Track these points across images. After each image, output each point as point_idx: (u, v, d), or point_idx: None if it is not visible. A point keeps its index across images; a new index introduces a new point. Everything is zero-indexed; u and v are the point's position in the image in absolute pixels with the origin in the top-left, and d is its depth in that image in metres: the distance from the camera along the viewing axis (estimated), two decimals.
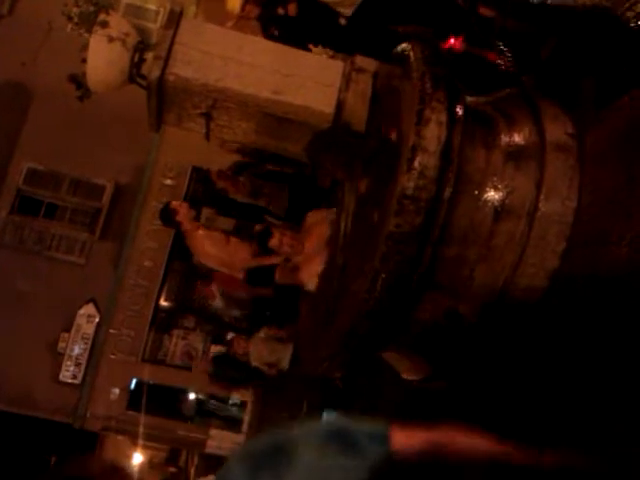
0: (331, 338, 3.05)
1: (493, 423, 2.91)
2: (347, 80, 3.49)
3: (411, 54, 2.75)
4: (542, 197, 2.37)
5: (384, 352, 3.11)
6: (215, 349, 7.53)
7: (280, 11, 4.95)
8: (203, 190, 8.90)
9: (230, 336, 7.21)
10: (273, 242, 4.83)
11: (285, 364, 6.38)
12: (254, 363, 6.58)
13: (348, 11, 4.35)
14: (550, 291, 2.37)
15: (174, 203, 5.68)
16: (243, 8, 5.48)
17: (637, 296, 2.07)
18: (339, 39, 4.73)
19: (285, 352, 6.38)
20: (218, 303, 6.95)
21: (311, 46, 4.72)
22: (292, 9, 4.83)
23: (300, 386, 6.18)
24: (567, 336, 2.41)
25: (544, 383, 2.49)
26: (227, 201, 6.15)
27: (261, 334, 6.59)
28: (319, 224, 3.98)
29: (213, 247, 5.34)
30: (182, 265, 10.30)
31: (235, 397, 9.17)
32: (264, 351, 6.52)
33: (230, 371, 7.04)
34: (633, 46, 2.35)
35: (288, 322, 6.03)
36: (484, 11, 3.73)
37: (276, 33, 5.17)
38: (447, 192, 2.48)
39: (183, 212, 5.30)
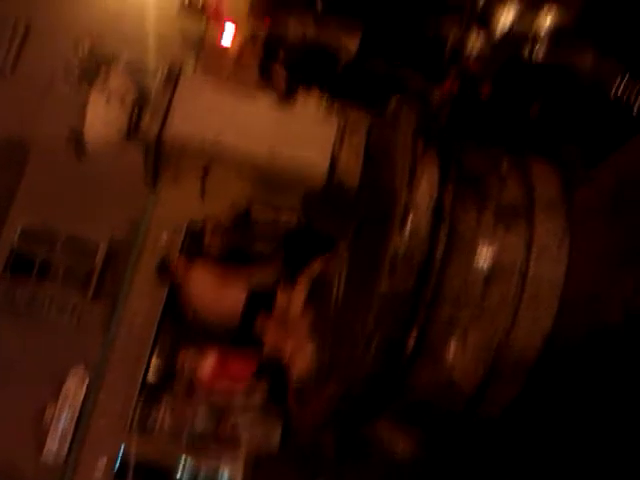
0: (325, 403, 3.07)
1: None
2: (341, 136, 3.63)
3: (402, 113, 2.89)
4: (533, 257, 2.44)
5: (378, 422, 3.11)
6: (203, 427, 7.47)
7: (280, 56, 5.15)
8: (198, 246, 9.02)
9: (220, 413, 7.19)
10: (257, 328, 4.93)
11: (275, 443, 6.34)
12: (243, 447, 6.56)
13: (354, 47, 4.52)
14: (545, 352, 2.40)
15: (171, 256, 5.88)
16: (241, 54, 5.71)
17: (630, 355, 2.10)
18: (336, 84, 4.92)
19: (274, 431, 6.36)
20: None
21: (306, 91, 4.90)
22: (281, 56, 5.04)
23: (291, 461, 6.12)
24: (564, 396, 2.43)
25: (542, 445, 2.49)
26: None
27: (249, 414, 6.60)
28: (306, 317, 4.02)
29: (205, 287, 5.44)
30: (174, 326, 10.29)
31: (225, 473, 9.03)
32: (253, 430, 6.51)
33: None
34: (616, 109, 2.46)
35: (279, 400, 6.04)
36: (474, 68, 3.89)
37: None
38: (439, 251, 2.56)
39: (180, 263, 5.51)
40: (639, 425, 2.12)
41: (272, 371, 5.67)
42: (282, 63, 5.02)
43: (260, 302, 5.15)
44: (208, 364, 6.47)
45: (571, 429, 2.38)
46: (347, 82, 4.64)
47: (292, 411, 4.24)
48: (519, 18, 3.28)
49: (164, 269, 5.62)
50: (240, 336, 5.58)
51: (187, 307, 5.74)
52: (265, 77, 5.29)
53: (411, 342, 2.66)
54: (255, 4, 5.13)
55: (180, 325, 9.80)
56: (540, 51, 3.00)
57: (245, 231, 5.96)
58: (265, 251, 5.76)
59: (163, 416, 8.80)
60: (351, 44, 4.62)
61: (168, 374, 9.62)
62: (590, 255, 2.33)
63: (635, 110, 2.41)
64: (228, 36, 9.14)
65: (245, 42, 5.60)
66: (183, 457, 7.70)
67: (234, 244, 5.99)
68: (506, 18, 3.41)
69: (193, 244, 9.91)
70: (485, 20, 3.77)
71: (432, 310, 2.61)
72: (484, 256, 2.54)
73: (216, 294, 5.35)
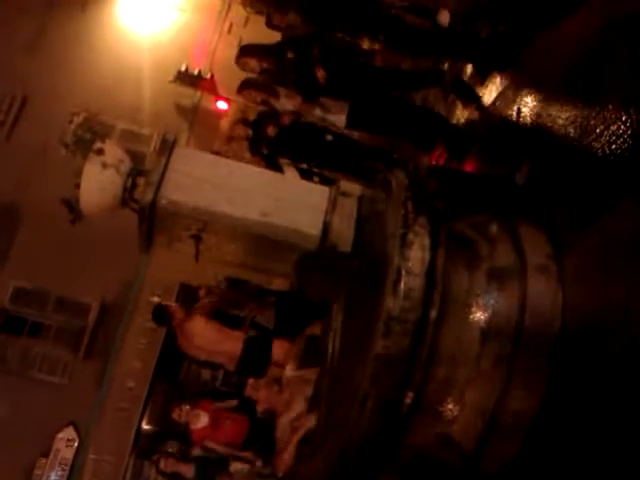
0: (320, 465, 2.96)
1: None
2: (333, 203, 3.63)
3: (393, 181, 2.89)
4: (527, 318, 2.41)
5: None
6: (196, 451, 7.19)
7: (270, 130, 5.23)
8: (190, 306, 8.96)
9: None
10: (247, 391, 4.86)
11: None
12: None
13: (341, 123, 4.59)
14: (541, 414, 2.35)
15: (173, 308, 5.89)
16: (232, 129, 5.78)
17: (624, 414, 2.06)
18: (325, 157, 4.98)
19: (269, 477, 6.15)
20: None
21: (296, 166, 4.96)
22: (272, 130, 5.13)
23: None
24: (562, 457, 2.36)
25: None
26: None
27: (244, 470, 6.41)
28: (299, 383, 3.96)
29: (203, 336, 5.42)
30: (166, 385, 10.06)
31: None
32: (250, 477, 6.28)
33: (213, 472, 6.73)
34: (603, 172, 2.49)
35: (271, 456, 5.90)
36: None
37: (264, 152, 5.43)
38: (433, 313, 2.52)
39: (175, 309, 5.61)
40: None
41: (263, 435, 5.56)
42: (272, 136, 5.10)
43: (255, 356, 5.09)
44: (201, 423, 6.33)
45: (570, 474, 2.30)
46: (336, 155, 4.70)
47: (281, 470, 4.10)
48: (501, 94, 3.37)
49: (160, 315, 5.71)
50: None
51: (185, 350, 5.69)
52: (254, 152, 5.36)
53: (407, 401, 2.59)
54: (246, 82, 5.22)
55: (172, 385, 9.62)
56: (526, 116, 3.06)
57: (238, 293, 5.93)
58: (257, 312, 5.73)
59: (156, 476, 8.48)
60: (339, 120, 4.69)
61: (161, 431, 9.35)
62: (583, 314, 2.31)
63: None
64: (222, 105, 9.31)
65: (236, 121, 5.68)
66: None
67: (227, 304, 5.95)
68: (489, 95, 3.51)
69: (186, 304, 9.82)
70: (470, 93, 3.87)
71: (428, 370, 2.55)
72: (478, 316, 2.51)
73: (213, 343, 5.31)
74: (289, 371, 3.98)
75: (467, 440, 2.55)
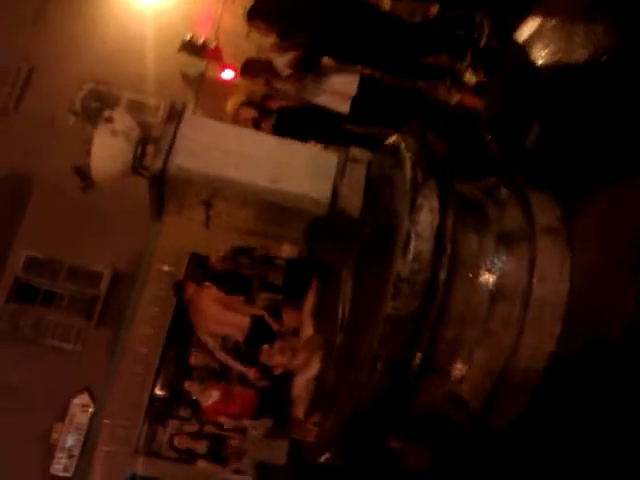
0: (331, 425, 3.01)
1: None
2: (342, 169, 3.61)
3: (402, 145, 2.88)
4: (535, 280, 2.42)
5: (387, 439, 3.05)
6: (210, 428, 7.32)
7: (268, 117, 5.17)
8: (202, 275, 9.02)
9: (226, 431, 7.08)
10: (262, 357, 4.93)
11: (282, 460, 6.25)
12: (250, 459, 6.46)
13: (345, 108, 4.55)
14: (548, 372, 2.38)
15: (189, 286, 5.96)
16: (238, 112, 5.73)
17: (633, 374, 2.08)
18: (331, 134, 4.93)
19: (281, 449, 6.28)
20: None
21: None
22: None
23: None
24: (567, 416, 2.39)
25: (546, 458, 2.44)
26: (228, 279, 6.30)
27: (256, 432, 6.53)
28: (316, 343, 4.01)
29: (211, 309, 5.52)
30: (178, 352, 10.18)
31: None
32: (260, 448, 6.43)
33: (225, 452, 6.88)
34: (617, 131, 2.46)
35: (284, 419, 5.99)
36: (469, 101, 3.91)
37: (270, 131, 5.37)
38: (442, 275, 2.53)
39: (188, 284, 5.73)
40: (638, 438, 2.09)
41: (274, 407, 5.66)
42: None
43: (263, 329, 5.16)
44: (212, 399, 6.45)
45: (574, 442, 2.34)
46: (342, 135, 4.65)
47: (296, 432, 4.17)
48: None
49: (179, 290, 5.83)
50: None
51: (196, 327, 5.77)
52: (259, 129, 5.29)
53: (416, 362, 2.62)
54: (248, 63, 5.15)
55: (184, 351, 9.73)
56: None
57: (248, 259, 5.98)
58: (269, 278, 5.78)
59: (168, 439, 8.65)
60: (343, 105, 4.63)
61: (173, 396, 9.50)
62: (592, 275, 2.32)
63: None
64: (228, 75, 9.21)
65: (241, 103, 5.61)
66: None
67: (236, 271, 6.02)
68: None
69: (196, 273, 9.89)
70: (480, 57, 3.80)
71: (436, 331, 2.58)
72: (487, 279, 2.52)
73: (222, 316, 5.38)
74: (305, 332, 4.02)
75: (475, 399, 2.59)
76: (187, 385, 6.83)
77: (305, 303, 4.15)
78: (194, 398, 6.81)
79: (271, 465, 6.37)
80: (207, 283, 5.84)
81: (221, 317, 5.51)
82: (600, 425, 2.22)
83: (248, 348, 5.63)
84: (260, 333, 5.26)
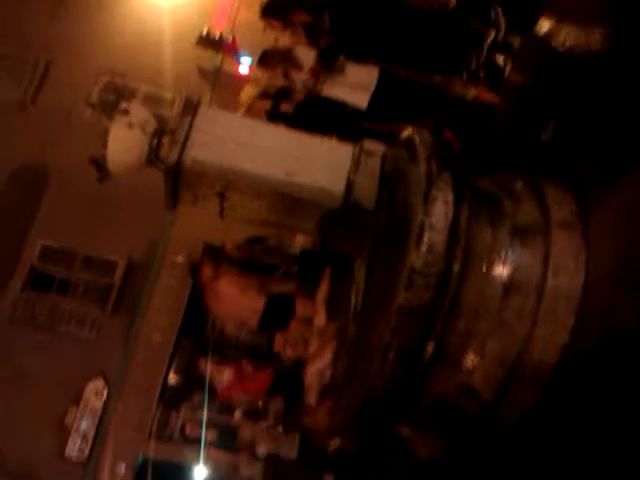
0: (343, 412, 3.01)
1: None
2: (357, 162, 3.59)
3: (417, 138, 2.86)
4: (550, 273, 2.39)
5: (398, 428, 3.05)
6: (222, 418, 7.35)
7: (284, 107, 5.14)
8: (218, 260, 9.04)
9: (237, 417, 7.09)
10: (276, 347, 4.92)
11: (293, 454, 6.26)
12: (260, 452, 6.47)
13: (364, 102, 4.49)
14: (562, 365, 2.35)
15: (206, 266, 5.99)
16: (253, 103, 5.69)
17: None
18: (346, 130, 4.88)
19: (292, 442, 6.29)
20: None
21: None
22: (286, 107, 5.03)
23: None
24: (580, 408, 2.37)
25: (558, 451, 2.43)
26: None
27: (267, 423, 6.55)
28: (328, 333, 4.00)
29: (227, 292, 5.55)
30: (191, 342, 10.23)
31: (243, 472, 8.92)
32: (270, 441, 6.43)
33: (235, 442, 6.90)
34: (631, 127, 2.43)
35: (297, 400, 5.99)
36: (485, 97, 3.87)
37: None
38: (456, 267, 2.51)
39: (205, 266, 5.79)
40: None
41: (287, 386, 5.67)
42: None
43: (277, 311, 5.15)
44: (225, 377, 6.46)
45: (587, 434, 2.32)
46: (357, 128, 4.59)
47: (307, 419, 4.17)
48: None
49: (195, 271, 5.87)
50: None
51: (210, 309, 5.79)
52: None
53: (428, 352, 2.61)
54: (266, 54, 5.10)
55: (198, 340, 9.77)
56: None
57: (262, 248, 5.99)
58: (281, 266, 5.79)
59: (182, 424, 8.68)
60: (361, 100, 4.58)
61: (186, 384, 9.53)
62: (607, 269, 2.29)
63: None
64: (244, 66, 9.16)
65: (255, 95, 5.58)
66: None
67: (252, 258, 6.03)
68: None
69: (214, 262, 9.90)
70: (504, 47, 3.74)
71: (449, 322, 2.56)
72: (500, 271, 2.50)
73: (236, 299, 5.40)
74: (318, 322, 4.01)
75: (487, 390, 2.57)
76: (202, 363, 6.83)
77: (318, 293, 4.14)
78: (208, 377, 6.79)
79: (281, 455, 6.39)
80: (224, 265, 5.84)
81: (237, 300, 5.54)
82: (613, 417, 2.20)
83: (262, 331, 5.66)
84: (274, 316, 5.28)
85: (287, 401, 6.38)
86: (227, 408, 7.29)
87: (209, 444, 6.94)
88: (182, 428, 7.31)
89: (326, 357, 3.41)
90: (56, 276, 10.85)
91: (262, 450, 6.46)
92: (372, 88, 4.54)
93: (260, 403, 6.64)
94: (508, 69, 3.76)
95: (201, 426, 6.91)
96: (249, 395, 6.60)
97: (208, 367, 6.61)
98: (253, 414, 6.85)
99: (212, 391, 6.94)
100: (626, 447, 2.19)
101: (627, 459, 2.21)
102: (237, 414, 7.58)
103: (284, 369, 6.14)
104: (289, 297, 5.10)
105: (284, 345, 4.67)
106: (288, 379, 5.89)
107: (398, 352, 2.61)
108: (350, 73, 4.69)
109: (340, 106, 4.67)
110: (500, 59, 3.85)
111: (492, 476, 2.92)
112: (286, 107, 5.04)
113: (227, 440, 6.81)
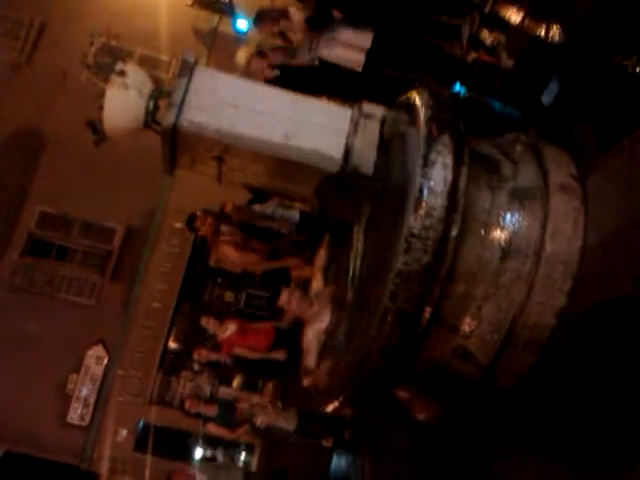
0: (341, 375, 3.06)
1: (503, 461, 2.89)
2: (355, 126, 3.56)
3: (417, 101, 2.84)
4: (548, 237, 2.41)
5: (395, 390, 3.10)
6: (223, 392, 7.48)
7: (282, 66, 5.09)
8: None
9: (237, 389, 7.19)
10: (281, 300, 4.94)
11: (292, 427, 6.36)
12: (259, 423, 6.57)
13: (359, 62, 4.45)
14: (557, 329, 2.39)
15: (199, 214, 6.06)
16: (249, 63, 5.64)
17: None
18: (345, 90, 4.84)
19: (291, 414, 6.37)
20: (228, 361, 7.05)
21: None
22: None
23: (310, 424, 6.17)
24: (576, 371, 2.41)
25: (555, 414, 2.48)
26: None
27: (266, 397, 6.63)
28: (326, 296, 4.03)
29: (231, 254, 5.65)
30: (191, 307, 10.32)
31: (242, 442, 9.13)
32: (270, 412, 6.52)
33: (235, 417, 7.00)
34: (631, 91, 2.42)
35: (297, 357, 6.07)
36: (486, 58, 3.83)
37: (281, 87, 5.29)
38: (454, 231, 2.53)
39: (207, 222, 5.86)
40: None
41: (288, 343, 5.74)
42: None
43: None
44: (228, 333, 6.52)
45: (583, 396, 2.37)
46: (355, 89, 4.57)
47: (306, 381, 4.23)
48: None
49: (192, 225, 5.96)
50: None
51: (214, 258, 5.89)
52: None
53: (426, 316, 2.64)
54: (262, 13, 5.03)
55: (197, 307, 9.87)
56: (556, 35, 2.94)
57: (262, 213, 6.01)
58: (281, 230, 5.83)
59: (182, 390, 8.83)
60: (356, 61, 4.53)
61: (186, 351, 9.64)
62: (604, 233, 2.30)
63: None
64: (241, 24, 9.04)
65: (253, 56, 5.52)
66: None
67: (251, 221, 6.07)
68: (516, 16, 3.37)
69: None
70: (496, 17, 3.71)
71: (447, 286, 2.59)
72: (498, 235, 2.51)
73: (240, 258, 5.49)
74: (316, 286, 4.04)
75: (483, 353, 2.61)
76: (204, 321, 6.89)
77: (317, 258, 4.17)
78: (210, 332, 6.82)
79: (280, 426, 6.49)
80: (223, 228, 5.89)
81: (239, 259, 5.68)
82: (608, 379, 2.24)
83: (265, 281, 5.77)
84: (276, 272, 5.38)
85: (285, 374, 6.45)
86: (226, 380, 7.38)
87: (208, 419, 7.06)
88: (182, 403, 7.42)
89: (324, 320, 3.45)
90: (54, 242, 10.90)
91: (261, 421, 6.56)
92: (367, 47, 4.50)
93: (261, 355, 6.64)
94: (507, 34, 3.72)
95: (201, 401, 6.98)
96: (250, 348, 6.62)
97: (211, 322, 6.67)
98: (252, 387, 6.95)
99: (215, 346, 7.01)
100: (620, 409, 2.24)
101: (621, 421, 2.25)
102: (235, 384, 7.67)
103: (285, 328, 6.21)
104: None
105: (289, 299, 4.71)
106: (289, 338, 5.96)
107: (396, 315, 2.64)
108: (345, 33, 4.64)
109: (335, 67, 4.63)
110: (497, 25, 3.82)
111: (489, 439, 2.99)
112: (283, 66, 4.99)
113: (226, 415, 6.92)
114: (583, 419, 2.35)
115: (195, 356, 7.24)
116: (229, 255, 5.75)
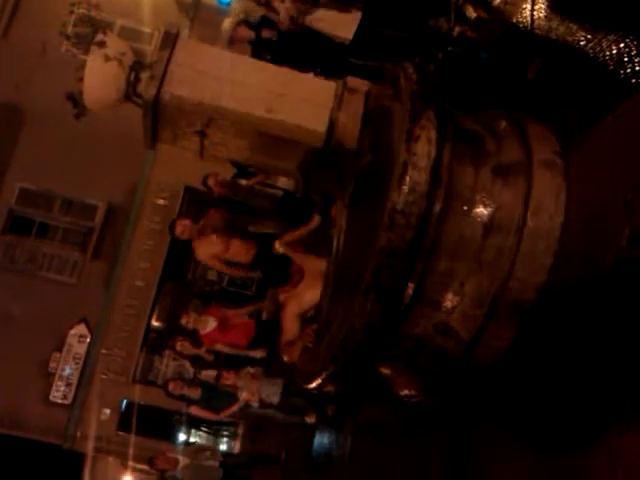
0: (324, 351, 3.09)
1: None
2: (339, 100, 3.56)
3: (401, 75, 2.84)
4: (530, 213, 2.43)
5: (378, 367, 3.14)
6: (205, 374, 7.55)
7: (266, 34, 5.05)
8: (196, 210, 9.04)
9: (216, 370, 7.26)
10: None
11: (276, 399, 6.41)
12: (243, 399, 6.62)
13: (349, 35, 4.44)
14: (538, 305, 2.42)
15: (179, 224, 5.99)
16: (235, 30, 5.59)
17: (622, 308, 2.12)
18: (331, 63, 4.83)
19: (275, 388, 6.42)
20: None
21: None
22: (267, 34, 4.94)
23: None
24: (555, 348, 2.46)
25: (537, 388, 2.53)
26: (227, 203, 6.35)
27: (249, 370, 6.68)
28: (312, 275, 4.02)
29: (213, 250, 5.63)
30: (174, 286, 10.31)
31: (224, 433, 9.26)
32: (253, 387, 6.57)
33: (218, 399, 7.05)
34: (612, 70, 2.43)
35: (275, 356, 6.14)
36: (471, 33, 3.84)
37: (268, 57, 5.27)
38: (437, 207, 2.54)
39: (187, 228, 5.80)
40: (630, 367, 2.15)
41: (269, 338, 5.80)
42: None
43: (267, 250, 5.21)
44: (209, 329, 6.58)
45: (563, 371, 2.41)
46: (342, 62, 4.55)
47: (285, 357, 4.26)
48: None
49: (173, 230, 5.91)
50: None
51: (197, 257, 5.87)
52: (257, 56, 5.18)
53: (409, 292, 2.66)
54: None
55: (180, 286, 9.87)
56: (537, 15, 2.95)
57: (248, 185, 6.00)
58: (264, 206, 5.82)
59: (165, 369, 8.87)
60: (347, 31, 4.50)
61: (169, 330, 9.68)
62: (586, 209, 2.33)
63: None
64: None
65: (238, 23, 5.46)
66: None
67: (237, 195, 6.05)
68: None
69: (191, 206, 9.90)
70: None
71: (429, 263, 2.61)
72: (481, 211, 2.53)
73: (225, 246, 5.47)
74: (302, 262, 4.06)
75: (465, 329, 2.64)
76: (184, 320, 6.95)
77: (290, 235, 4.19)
78: (191, 329, 6.93)
79: (264, 401, 6.56)
80: (209, 214, 5.84)
81: (224, 254, 5.64)
82: (588, 354, 2.29)
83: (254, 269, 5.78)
84: (265, 256, 5.36)
85: (269, 352, 6.52)
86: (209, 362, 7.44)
87: (192, 402, 7.12)
88: (165, 384, 7.47)
89: (306, 297, 3.48)
90: (35, 219, 10.81)
91: (244, 397, 6.62)
92: (357, 21, 4.48)
93: (243, 352, 6.78)
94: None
95: (184, 384, 7.04)
96: (232, 345, 6.73)
97: (191, 319, 6.71)
98: (235, 362, 7.00)
99: (196, 339, 7.08)
100: (603, 382, 2.28)
101: (602, 397, 2.30)
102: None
103: (266, 319, 6.25)
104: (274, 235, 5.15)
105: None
106: (270, 331, 6.01)
107: (379, 292, 2.66)
108: (332, 10, 4.61)
109: (325, 39, 4.61)
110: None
111: (469, 418, 3.04)
112: (269, 36, 4.96)
113: (210, 397, 6.98)
114: (562, 396, 2.39)
115: (177, 347, 7.28)
116: (210, 256, 5.73)
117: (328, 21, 4.63)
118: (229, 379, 6.69)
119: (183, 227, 5.93)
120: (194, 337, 7.09)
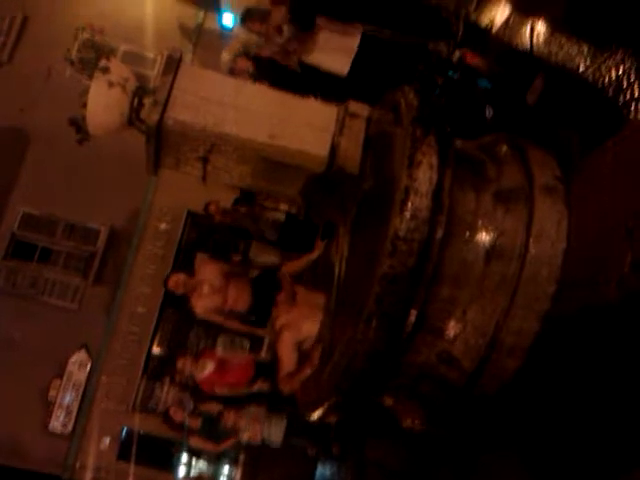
0: (326, 380, 3.08)
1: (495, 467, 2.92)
2: (341, 125, 3.61)
3: (402, 100, 2.88)
4: (532, 239, 2.44)
5: (382, 399, 3.13)
6: (207, 406, 7.52)
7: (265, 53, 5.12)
8: (198, 235, 9.09)
9: (218, 408, 7.23)
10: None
11: (278, 440, 6.38)
12: (244, 439, 6.59)
13: (344, 69, 4.50)
14: (542, 334, 2.42)
15: (172, 279, 5.97)
16: (235, 61, 5.69)
17: (626, 333, 2.12)
18: (332, 92, 4.89)
19: (278, 428, 6.39)
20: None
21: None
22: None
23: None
24: (561, 378, 2.45)
25: (541, 417, 2.51)
26: (222, 244, 6.36)
27: (251, 409, 6.66)
28: (310, 305, 4.02)
29: (212, 305, 5.61)
30: (175, 312, 10.31)
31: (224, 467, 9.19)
32: (256, 428, 6.54)
33: (219, 431, 7.01)
34: (611, 97, 2.46)
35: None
36: (471, 59, 3.89)
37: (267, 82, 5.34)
38: (439, 233, 2.56)
39: (181, 282, 5.85)
40: (632, 397, 2.15)
41: (270, 372, 5.78)
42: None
43: (264, 291, 5.21)
44: (206, 372, 6.56)
45: (568, 401, 2.40)
46: (340, 90, 4.61)
47: (283, 388, 4.24)
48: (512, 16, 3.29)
49: (166, 285, 5.92)
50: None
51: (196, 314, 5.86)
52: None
53: (411, 319, 2.67)
54: (248, 12, 5.09)
55: (181, 311, 9.85)
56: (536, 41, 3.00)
57: (249, 211, 6.03)
58: (267, 233, 5.84)
59: (165, 397, 8.82)
60: (342, 65, 4.58)
61: (170, 357, 9.65)
62: (588, 236, 2.34)
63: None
64: (227, 19, 9.09)
65: (238, 54, 5.56)
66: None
67: (239, 223, 6.08)
68: (501, 15, 3.42)
69: (193, 231, 9.95)
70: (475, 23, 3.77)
71: (432, 289, 2.62)
72: (483, 238, 2.55)
73: (220, 297, 5.46)
74: (299, 291, 4.06)
75: (468, 358, 2.64)
76: (180, 364, 6.95)
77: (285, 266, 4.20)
78: (188, 374, 6.93)
79: (267, 440, 6.52)
80: (198, 288, 5.82)
81: (223, 306, 5.63)
82: (593, 384, 2.28)
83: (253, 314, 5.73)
84: (262, 298, 5.33)
85: (271, 386, 6.51)
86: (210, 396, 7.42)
87: (193, 432, 7.09)
88: (166, 411, 7.45)
89: (303, 326, 3.48)
90: (38, 244, 10.89)
91: (246, 437, 6.59)
92: (354, 52, 4.54)
93: (243, 391, 6.75)
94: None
95: (186, 412, 7.01)
96: (231, 386, 6.71)
97: (187, 364, 6.70)
98: (237, 400, 6.97)
99: (194, 385, 7.07)
100: (608, 411, 2.28)
101: (607, 425, 2.29)
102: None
103: (265, 360, 6.24)
104: (273, 270, 5.16)
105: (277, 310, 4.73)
106: (270, 368, 5.99)
107: (381, 319, 2.67)
108: (332, 38, 4.68)
109: (320, 72, 4.68)
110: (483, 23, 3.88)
111: (474, 451, 3.02)
112: (267, 66, 5.04)
113: (211, 428, 6.95)
114: (568, 426, 2.38)
115: (179, 365, 7.24)
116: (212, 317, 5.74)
117: (323, 55, 4.68)
118: (230, 419, 6.66)
119: (176, 281, 5.96)
120: (191, 388, 7.09)
